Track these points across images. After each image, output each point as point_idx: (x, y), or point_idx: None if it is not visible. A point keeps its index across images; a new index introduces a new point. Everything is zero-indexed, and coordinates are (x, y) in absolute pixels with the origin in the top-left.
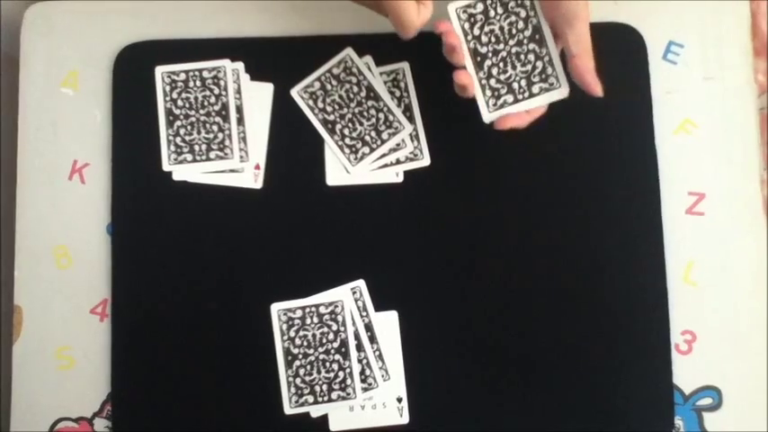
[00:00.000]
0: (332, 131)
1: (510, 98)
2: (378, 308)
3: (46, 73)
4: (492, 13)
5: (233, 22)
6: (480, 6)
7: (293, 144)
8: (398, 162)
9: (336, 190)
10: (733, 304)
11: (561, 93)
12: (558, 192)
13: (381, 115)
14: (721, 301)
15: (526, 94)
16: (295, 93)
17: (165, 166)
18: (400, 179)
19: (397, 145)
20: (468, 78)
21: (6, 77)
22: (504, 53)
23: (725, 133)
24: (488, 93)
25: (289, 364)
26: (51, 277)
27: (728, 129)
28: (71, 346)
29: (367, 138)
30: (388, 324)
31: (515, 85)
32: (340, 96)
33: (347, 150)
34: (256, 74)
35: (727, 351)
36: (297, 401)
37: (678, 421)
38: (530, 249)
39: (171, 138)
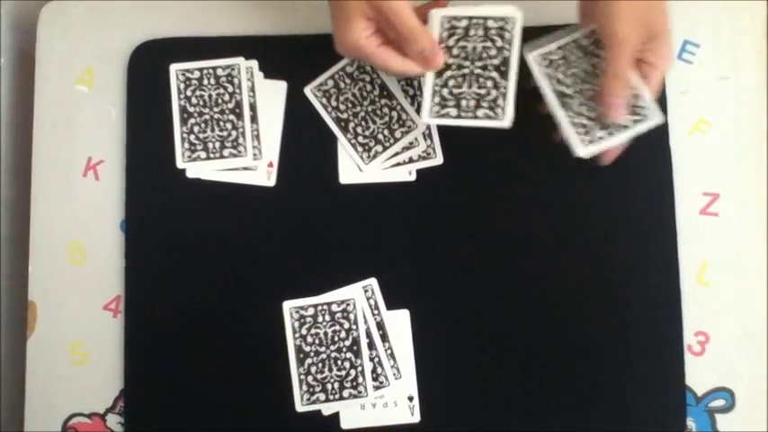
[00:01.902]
0: (345, 129)
1: (603, 134)
2: (389, 306)
3: (61, 70)
4: (571, 57)
5: (247, 20)
6: (559, 53)
7: (306, 142)
8: (411, 161)
9: (349, 188)
10: (746, 305)
11: (653, 123)
12: (571, 191)
13: (394, 114)
14: (735, 302)
15: (620, 129)
16: (308, 91)
17: (179, 164)
18: (413, 178)
19: (410, 143)
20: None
21: (22, 74)
22: (590, 92)
23: (740, 133)
24: (580, 130)
25: (300, 362)
26: (65, 273)
27: (744, 129)
28: (84, 341)
29: (380, 136)
30: (399, 322)
31: (607, 121)
32: (353, 94)
33: (360, 148)
34: (270, 72)
35: (740, 352)
36: (308, 399)
37: (690, 422)
38: (542, 249)
39: (185, 135)
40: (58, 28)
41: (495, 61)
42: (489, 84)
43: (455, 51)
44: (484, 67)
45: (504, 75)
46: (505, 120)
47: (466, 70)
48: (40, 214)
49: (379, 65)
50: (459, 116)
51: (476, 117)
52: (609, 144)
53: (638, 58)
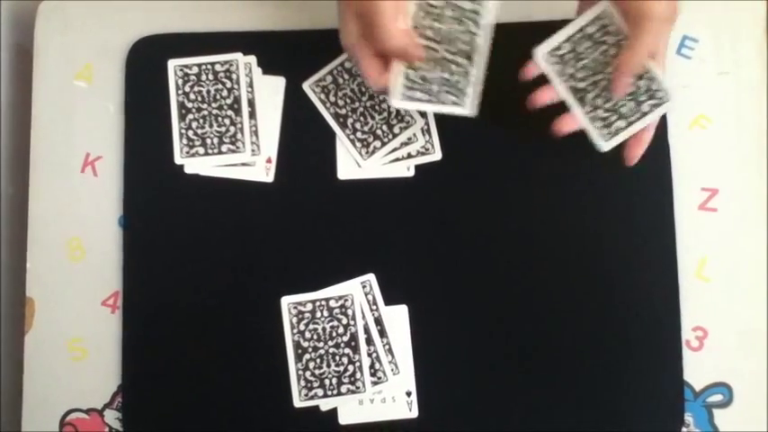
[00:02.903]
0: (343, 125)
1: (622, 123)
2: (388, 302)
3: (60, 66)
4: (580, 48)
5: (245, 16)
6: (567, 46)
7: (305, 138)
8: (410, 156)
9: (347, 184)
10: (745, 301)
11: (670, 105)
12: (569, 187)
13: (393, 109)
14: (733, 297)
15: (638, 115)
16: (307, 86)
17: (177, 160)
18: (411, 173)
19: (409, 139)
20: (572, 124)
21: (21, 70)
22: (604, 82)
23: (739, 129)
24: (598, 123)
25: (298, 358)
26: (63, 269)
27: (742, 124)
28: (83, 337)
29: (378, 132)
30: (397, 318)
31: (624, 110)
32: (352, 90)
33: (359, 144)
34: (268, 67)
35: (738, 348)
36: (306, 395)
37: (688, 418)
38: (540, 244)
39: (183, 131)
40: (55, 24)
41: (465, 47)
42: (454, 68)
43: (429, 33)
44: (454, 53)
45: (471, 60)
46: (467, 107)
47: (437, 54)
48: (38, 210)
49: (362, 73)
50: (429, 101)
51: (442, 102)
52: (629, 132)
53: None
